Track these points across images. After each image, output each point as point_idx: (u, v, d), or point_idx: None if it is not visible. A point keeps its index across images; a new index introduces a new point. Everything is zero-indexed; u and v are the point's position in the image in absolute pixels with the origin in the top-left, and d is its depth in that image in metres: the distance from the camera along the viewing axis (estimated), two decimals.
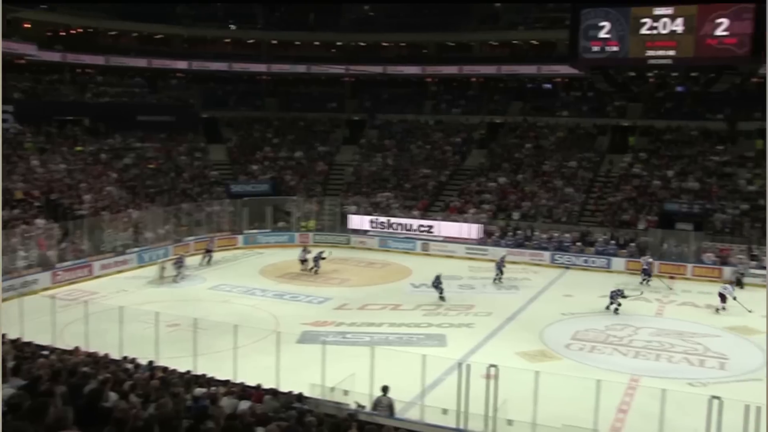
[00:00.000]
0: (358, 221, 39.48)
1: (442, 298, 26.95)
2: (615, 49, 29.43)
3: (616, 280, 31.50)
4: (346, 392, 14.61)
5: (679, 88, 45.59)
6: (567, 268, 34.38)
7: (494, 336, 22.79)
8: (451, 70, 52.10)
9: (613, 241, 35.27)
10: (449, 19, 50.53)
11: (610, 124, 46.85)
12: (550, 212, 38.93)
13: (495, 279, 30.67)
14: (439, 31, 51.46)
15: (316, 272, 31.74)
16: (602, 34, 29.35)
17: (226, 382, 14.13)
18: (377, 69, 51.78)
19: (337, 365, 16.16)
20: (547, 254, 35.12)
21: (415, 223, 38.45)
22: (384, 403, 14.14)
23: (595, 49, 29.77)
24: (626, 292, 26.03)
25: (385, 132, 50.87)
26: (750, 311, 25.97)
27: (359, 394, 14.41)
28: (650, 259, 31.45)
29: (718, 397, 12.77)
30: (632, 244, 34.84)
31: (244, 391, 13.34)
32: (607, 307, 25.73)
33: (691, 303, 27.97)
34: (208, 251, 33.56)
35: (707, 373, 19.66)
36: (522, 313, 25.79)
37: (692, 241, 34.01)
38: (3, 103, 34.86)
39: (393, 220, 38.92)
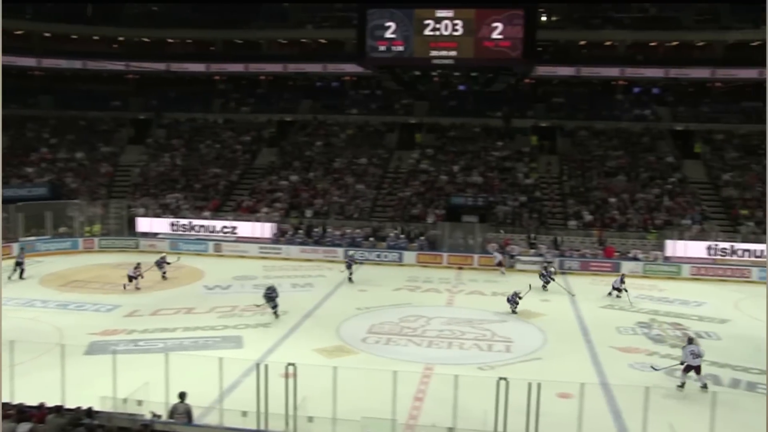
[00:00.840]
0: (146, 224, 37.83)
1: (276, 314, 24.39)
2: (400, 48, 30.22)
3: (408, 273, 32.66)
4: (140, 402, 13.81)
5: (461, 87, 48.01)
6: (361, 263, 34.98)
7: (291, 334, 22.63)
8: (237, 67, 51.19)
9: (403, 236, 36.40)
10: (237, 16, 49.73)
11: (397, 121, 48.43)
12: (342, 209, 39.47)
13: (349, 278, 30.61)
14: (227, 28, 50.53)
15: (164, 278, 30.42)
16: (388, 34, 30.02)
17: (1, 406, 12.86)
18: (161, 66, 49.88)
19: (130, 375, 15.23)
20: (340, 251, 35.52)
21: (218, 224, 37.48)
22: (181, 410, 13.57)
23: (382, 48, 30.40)
24: (521, 294, 25.95)
25: (172, 131, 49.16)
26: (632, 303, 27.59)
27: (155, 404, 13.68)
28: (550, 266, 31.14)
29: (504, 378, 13.48)
30: (422, 238, 36.14)
31: (22, 413, 12.24)
32: (513, 311, 25.55)
33: (478, 291, 29.46)
34: (19, 263, 30.36)
35: (495, 357, 20.71)
36: (318, 310, 25.83)
37: (477, 233, 35.91)
38: None
39: (195, 222, 37.70)
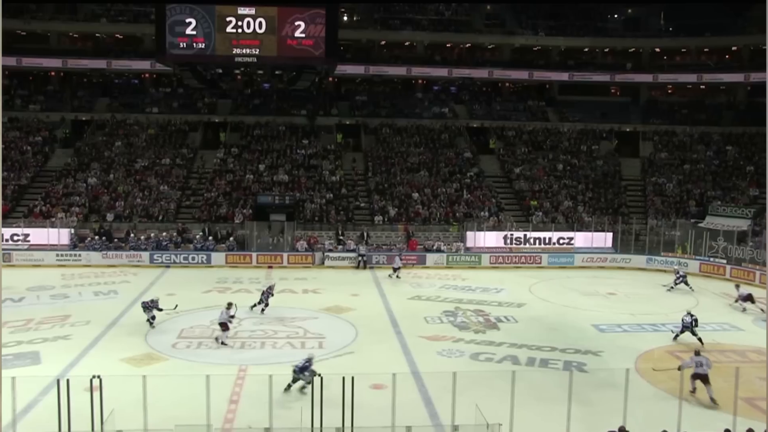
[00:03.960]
0: None
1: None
2: (202, 45, 29.50)
3: (217, 275, 32.08)
4: None
5: (265, 85, 47.73)
6: (167, 266, 33.92)
7: (95, 345, 21.45)
8: (8, 61, 46.63)
9: (210, 237, 35.67)
10: (22, 6, 46.30)
11: (201, 120, 47.36)
12: (146, 211, 38.01)
13: (262, 308, 25.79)
14: (6, 17, 46.80)
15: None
16: (189, 31, 29.19)
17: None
18: None
19: None
20: (145, 254, 34.23)
21: (7, 231, 34.40)
22: None
23: (183, 45, 29.52)
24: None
25: None
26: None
27: None
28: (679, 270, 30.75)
29: (319, 374, 13.64)
30: (231, 239, 35.59)
31: None
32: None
33: (289, 290, 29.44)
34: None
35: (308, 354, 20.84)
36: (124, 318, 24.68)
37: (286, 231, 35.93)
38: None
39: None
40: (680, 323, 22.85)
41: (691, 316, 22.95)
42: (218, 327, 21.89)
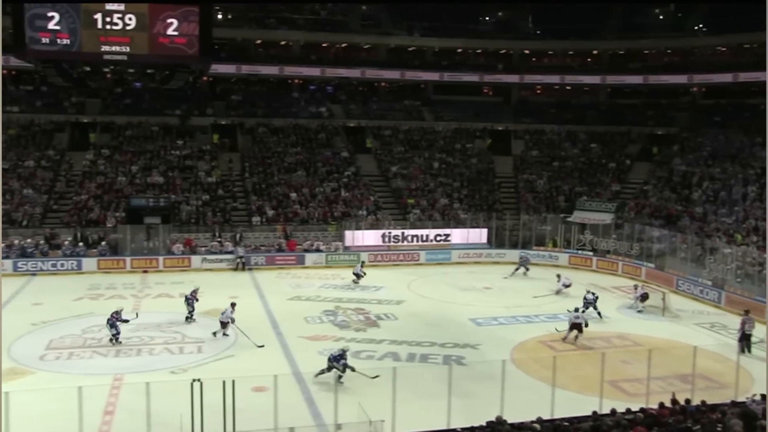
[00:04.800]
0: None
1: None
2: (67, 42, 28.22)
3: (89, 281, 30.83)
4: None
5: (136, 85, 46.21)
6: (33, 274, 32.24)
7: None
8: None
9: (81, 242, 34.21)
10: None
11: (68, 120, 45.15)
12: (8, 217, 35.95)
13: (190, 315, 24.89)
14: None
15: None
16: (52, 26, 27.83)
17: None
18: None
19: None
20: (8, 262, 32.35)
21: None
22: None
23: (45, 40, 28.12)
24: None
25: None
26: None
27: None
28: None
29: (198, 379, 13.37)
30: (103, 244, 34.25)
31: None
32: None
33: (165, 294, 28.66)
34: None
35: (187, 359, 20.39)
36: None
37: (161, 234, 34.93)
38: None
39: None
40: (582, 300, 25.68)
41: (593, 294, 26.01)
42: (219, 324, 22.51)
